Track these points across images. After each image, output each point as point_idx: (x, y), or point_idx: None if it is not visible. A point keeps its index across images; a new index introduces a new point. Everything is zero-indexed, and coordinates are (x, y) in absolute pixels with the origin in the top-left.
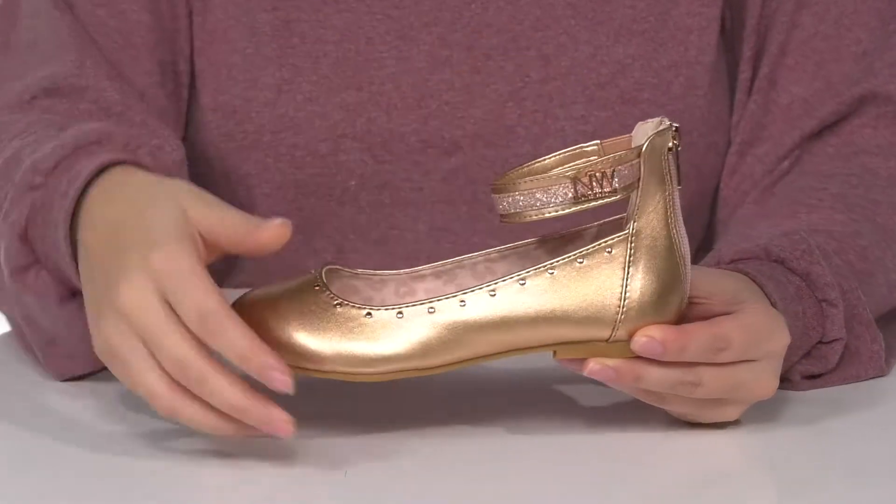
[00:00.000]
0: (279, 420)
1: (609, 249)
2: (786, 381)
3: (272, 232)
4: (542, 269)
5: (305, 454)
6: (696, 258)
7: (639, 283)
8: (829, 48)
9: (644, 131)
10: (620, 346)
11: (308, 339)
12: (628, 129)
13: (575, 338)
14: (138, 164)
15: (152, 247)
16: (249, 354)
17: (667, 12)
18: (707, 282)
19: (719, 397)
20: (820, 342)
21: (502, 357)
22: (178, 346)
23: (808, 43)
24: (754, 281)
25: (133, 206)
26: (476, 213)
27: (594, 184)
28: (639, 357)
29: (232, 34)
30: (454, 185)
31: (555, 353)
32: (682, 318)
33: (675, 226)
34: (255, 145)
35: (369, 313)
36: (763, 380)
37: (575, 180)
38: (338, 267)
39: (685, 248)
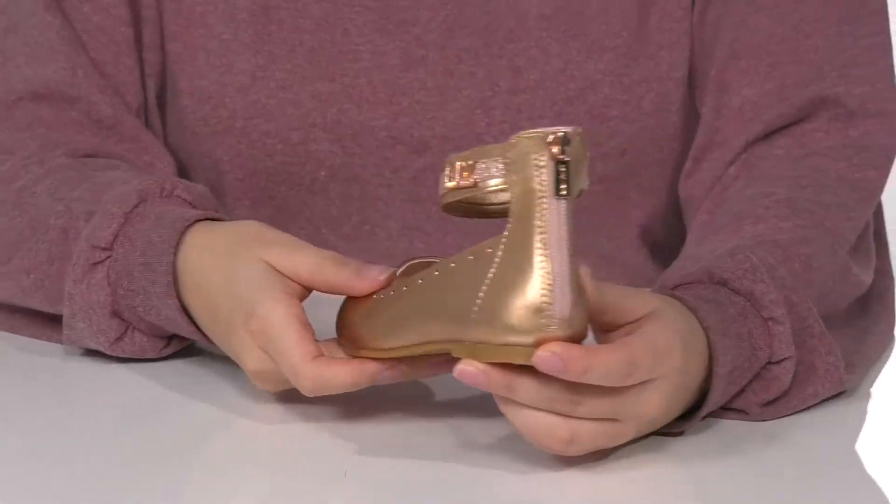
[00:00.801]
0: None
1: (489, 248)
2: (741, 412)
3: (372, 283)
4: (448, 260)
5: (306, 454)
6: None
7: (496, 289)
8: (786, 51)
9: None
10: (490, 350)
11: (359, 319)
12: (596, 146)
13: (445, 336)
14: (201, 219)
15: (247, 316)
16: (357, 380)
17: (639, 27)
18: (616, 297)
19: (604, 417)
20: (769, 362)
21: (423, 350)
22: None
23: (762, 46)
24: (686, 305)
25: (218, 270)
26: (447, 213)
27: (456, 174)
28: (515, 366)
29: (210, 19)
30: (423, 185)
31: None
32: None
33: (546, 241)
34: (229, 131)
35: (383, 295)
36: (650, 399)
37: (453, 166)
38: (431, 258)
39: (562, 268)
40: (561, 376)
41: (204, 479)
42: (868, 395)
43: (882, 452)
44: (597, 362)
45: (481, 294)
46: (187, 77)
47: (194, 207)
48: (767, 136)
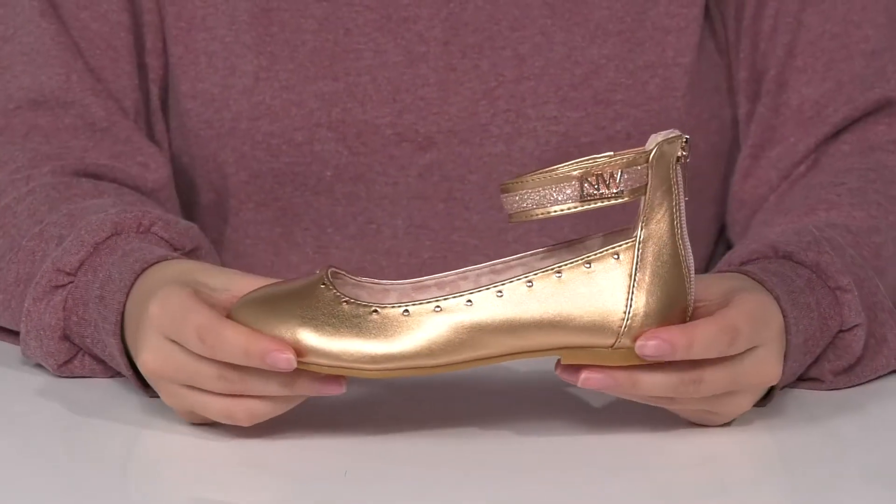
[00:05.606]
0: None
1: (616, 255)
2: (816, 381)
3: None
4: (549, 271)
5: (306, 454)
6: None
7: (644, 292)
8: (838, 47)
9: (655, 141)
10: (624, 353)
11: (313, 336)
12: (601, 130)
13: (579, 343)
14: (164, 258)
15: (149, 298)
16: (249, 346)
17: (644, 12)
18: (700, 287)
19: (726, 391)
20: (840, 330)
21: (508, 359)
22: (207, 369)
23: (816, 43)
24: (753, 278)
25: (147, 286)
26: (453, 210)
27: (600, 184)
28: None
29: (211, 22)
30: (429, 182)
31: (560, 358)
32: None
33: (680, 237)
34: (233, 132)
35: (375, 311)
36: (766, 364)
37: (582, 179)
38: (342, 273)
39: (690, 260)
40: (671, 358)
41: (203, 480)
42: None
43: None
44: (698, 334)
45: (633, 301)
46: (190, 80)
47: (170, 244)
48: (835, 135)
